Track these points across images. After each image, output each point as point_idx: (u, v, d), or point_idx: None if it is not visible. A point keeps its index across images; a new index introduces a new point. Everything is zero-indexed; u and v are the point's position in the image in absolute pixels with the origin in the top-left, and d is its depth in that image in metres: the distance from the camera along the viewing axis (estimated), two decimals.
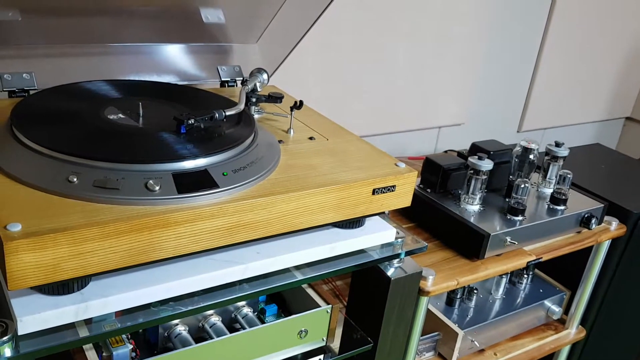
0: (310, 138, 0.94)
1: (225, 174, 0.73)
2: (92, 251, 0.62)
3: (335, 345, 0.95)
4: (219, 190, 0.71)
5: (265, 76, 1.03)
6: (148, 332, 0.86)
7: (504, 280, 1.37)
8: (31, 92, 0.92)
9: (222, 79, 1.13)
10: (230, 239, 0.72)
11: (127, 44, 1.06)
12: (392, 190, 0.85)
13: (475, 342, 1.27)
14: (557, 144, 1.32)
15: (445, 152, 1.64)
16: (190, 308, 0.73)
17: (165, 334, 0.84)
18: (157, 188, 0.68)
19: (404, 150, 1.72)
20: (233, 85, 1.15)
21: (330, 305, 0.90)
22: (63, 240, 0.60)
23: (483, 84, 1.81)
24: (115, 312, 0.69)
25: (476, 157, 1.18)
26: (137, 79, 1.05)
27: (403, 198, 0.88)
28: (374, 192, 0.83)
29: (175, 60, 1.12)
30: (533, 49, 1.88)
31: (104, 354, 0.78)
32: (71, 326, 0.67)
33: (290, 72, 1.30)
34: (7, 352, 0.62)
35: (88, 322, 0.68)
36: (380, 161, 0.89)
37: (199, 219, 0.68)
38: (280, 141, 0.90)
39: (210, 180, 0.71)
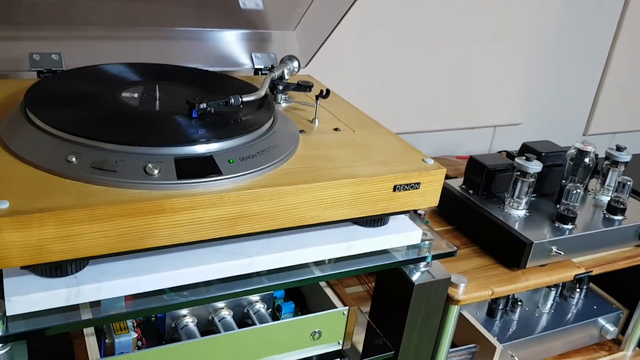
0: (336, 129, 0.89)
1: (231, 161, 0.70)
2: (81, 234, 0.60)
3: (355, 349, 0.90)
4: (221, 178, 0.67)
5: (295, 64, 0.98)
6: (157, 321, 0.83)
7: (553, 293, 1.27)
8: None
9: (256, 67, 1.10)
10: (232, 230, 0.68)
11: (161, 27, 1.05)
12: (417, 188, 0.79)
13: (516, 358, 1.18)
14: (619, 148, 1.21)
15: (499, 152, 1.54)
16: (191, 299, 0.70)
17: (173, 325, 0.82)
18: (156, 172, 0.65)
19: (455, 150, 1.64)
20: (267, 73, 1.11)
21: (347, 307, 0.84)
22: (49, 221, 0.58)
23: (546, 82, 1.69)
24: (125, 297, 0.67)
25: (524, 157, 1.09)
26: (168, 64, 1.04)
27: (429, 197, 0.81)
28: (395, 188, 0.77)
29: (210, 47, 1.10)
30: (604, 45, 1.74)
31: (107, 340, 0.77)
32: (72, 308, 0.65)
33: (329, 63, 1.25)
34: None
35: (93, 305, 0.66)
36: (407, 156, 0.83)
37: (198, 207, 0.65)
38: (302, 131, 0.86)
39: (214, 167, 0.68)
